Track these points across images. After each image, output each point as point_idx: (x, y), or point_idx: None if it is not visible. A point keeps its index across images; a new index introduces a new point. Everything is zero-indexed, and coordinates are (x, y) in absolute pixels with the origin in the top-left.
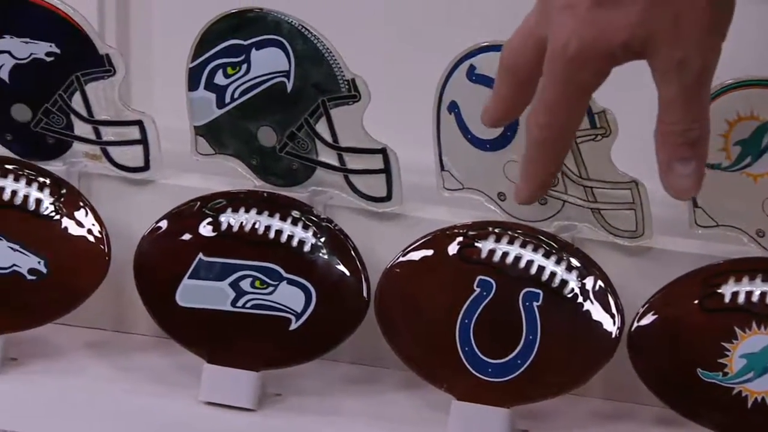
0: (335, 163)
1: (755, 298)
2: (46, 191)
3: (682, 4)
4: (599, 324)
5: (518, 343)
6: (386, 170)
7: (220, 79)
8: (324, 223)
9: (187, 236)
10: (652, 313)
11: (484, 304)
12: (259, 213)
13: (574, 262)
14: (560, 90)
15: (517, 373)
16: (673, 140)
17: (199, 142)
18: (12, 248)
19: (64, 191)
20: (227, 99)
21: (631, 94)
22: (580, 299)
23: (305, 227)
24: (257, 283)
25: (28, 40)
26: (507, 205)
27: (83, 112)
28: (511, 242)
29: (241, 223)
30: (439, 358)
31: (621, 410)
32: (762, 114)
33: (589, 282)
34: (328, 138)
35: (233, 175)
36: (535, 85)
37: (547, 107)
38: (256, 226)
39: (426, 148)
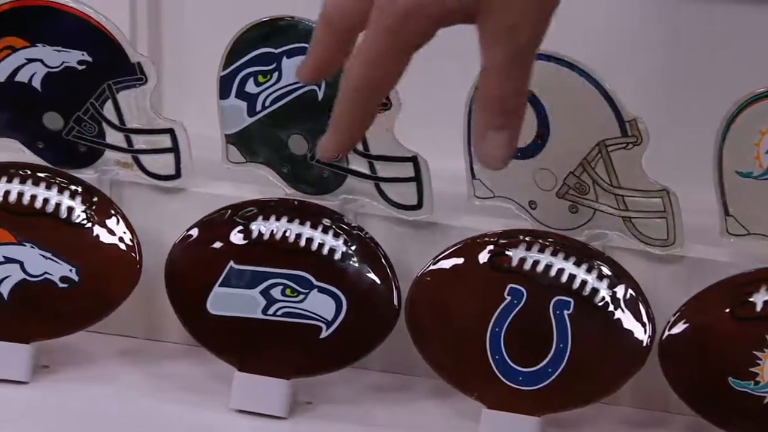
0: (366, 171)
1: None
2: (78, 199)
3: None
4: (630, 332)
5: (549, 352)
6: (417, 178)
7: (251, 87)
8: (355, 231)
9: (218, 244)
10: (683, 321)
11: (514, 312)
12: (290, 221)
13: (605, 270)
14: (384, 45)
15: (547, 381)
16: (491, 107)
17: (230, 150)
18: (44, 256)
19: (95, 199)
20: (258, 107)
21: (660, 103)
22: (611, 308)
23: (336, 235)
24: (288, 291)
25: (60, 48)
26: (538, 214)
27: (115, 121)
28: (542, 250)
29: (272, 231)
30: (469, 367)
31: (651, 419)
32: None
33: (620, 290)
34: (359, 146)
35: (264, 183)
36: (355, 39)
37: (367, 60)
38: (287, 234)
39: (457, 156)
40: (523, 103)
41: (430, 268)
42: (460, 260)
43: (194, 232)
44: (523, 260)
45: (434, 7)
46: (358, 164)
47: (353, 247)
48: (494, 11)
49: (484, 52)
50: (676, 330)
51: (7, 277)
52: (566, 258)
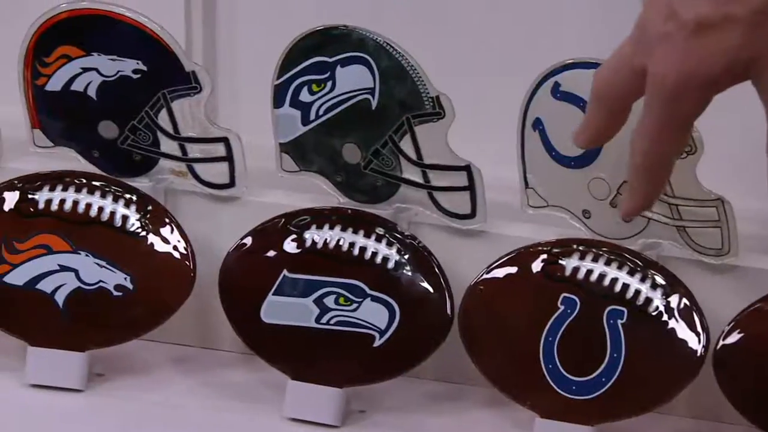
0: (419, 180)
1: None
2: (133, 208)
3: None
4: (684, 342)
5: (602, 361)
6: (470, 187)
7: (305, 96)
8: (408, 240)
9: (271, 253)
10: (738, 331)
11: (568, 321)
12: (344, 230)
13: (659, 279)
14: (662, 121)
15: (601, 391)
16: None
17: (284, 158)
18: (99, 264)
19: (150, 208)
20: (312, 116)
21: (717, 113)
22: (665, 317)
23: (389, 244)
24: (341, 300)
25: (115, 57)
26: (591, 223)
27: (169, 129)
28: (595, 260)
29: (326, 239)
30: (522, 376)
31: (706, 429)
32: None
33: (674, 300)
34: (413, 155)
35: (317, 191)
36: (628, 111)
37: (649, 136)
38: (341, 243)
39: (510, 166)
40: None
41: (483, 277)
42: (514, 269)
43: (248, 240)
44: (576, 269)
45: (704, 77)
46: (412, 173)
47: (406, 256)
48: (766, 67)
49: (765, 105)
50: (731, 340)
51: (62, 285)
52: (620, 267)
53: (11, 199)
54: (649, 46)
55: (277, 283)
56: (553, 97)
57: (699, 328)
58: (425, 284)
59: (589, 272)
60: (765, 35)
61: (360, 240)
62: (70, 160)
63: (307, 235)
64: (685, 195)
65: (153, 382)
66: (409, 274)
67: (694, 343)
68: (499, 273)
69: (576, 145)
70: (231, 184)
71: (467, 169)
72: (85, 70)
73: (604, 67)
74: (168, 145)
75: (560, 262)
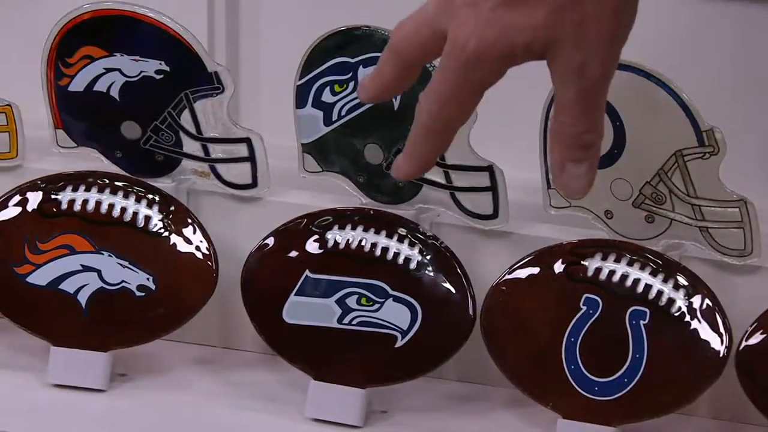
0: (441, 180)
1: None
2: (155, 208)
3: (589, 11)
4: (707, 343)
5: (625, 362)
6: (493, 188)
7: (327, 96)
8: (430, 241)
9: (293, 253)
10: (761, 332)
11: (590, 322)
12: (366, 230)
13: (682, 280)
14: (455, 85)
15: (623, 391)
16: (567, 142)
17: (306, 159)
18: (121, 265)
19: (172, 208)
20: (334, 116)
21: (738, 113)
22: (688, 318)
23: (411, 244)
24: (363, 300)
25: (138, 57)
26: (614, 223)
27: (192, 130)
28: (617, 260)
29: (348, 240)
30: (544, 377)
31: (728, 430)
32: None
33: (696, 300)
34: None
35: (340, 192)
36: (420, 69)
37: (439, 98)
38: (363, 243)
39: (533, 166)
40: (598, 135)
41: (505, 278)
42: (536, 270)
43: (270, 241)
44: (599, 270)
45: (503, 48)
46: (434, 174)
47: (428, 257)
48: (563, 50)
49: (557, 89)
50: (754, 341)
51: (85, 285)
52: (642, 268)
53: (34, 199)
54: (452, 10)
55: (300, 283)
56: None
57: (722, 329)
58: (447, 285)
59: (612, 273)
60: (568, 20)
61: (382, 240)
62: (92, 160)
63: (330, 235)
64: (707, 196)
65: (175, 382)
66: (432, 274)
67: (717, 343)
68: (522, 273)
69: (361, 98)
70: (253, 184)
71: (489, 169)
72: (108, 70)
73: (404, 21)
74: (190, 146)
75: (582, 262)
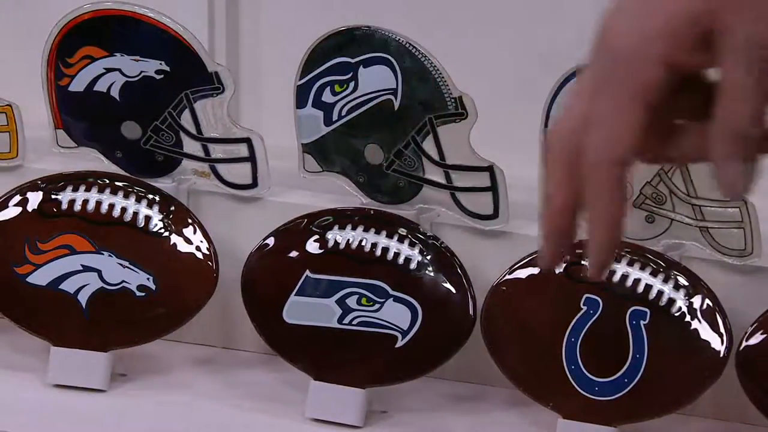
0: (442, 180)
1: None
2: (155, 208)
3: None
4: (707, 343)
5: (625, 362)
6: (493, 188)
7: (327, 96)
8: (430, 241)
9: (294, 253)
10: (761, 332)
11: (590, 322)
12: (366, 230)
13: (682, 280)
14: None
15: (623, 392)
16: (733, 134)
17: (307, 159)
18: (121, 265)
19: (172, 208)
20: (335, 116)
21: None
22: (688, 318)
23: (412, 244)
24: (364, 301)
25: (138, 57)
26: None
27: (192, 130)
28: (618, 260)
29: (348, 240)
30: (545, 377)
31: (728, 430)
32: None
33: (696, 301)
34: (435, 156)
35: (340, 192)
36: None
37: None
38: (363, 244)
39: (533, 166)
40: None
41: (505, 278)
42: (536, 270)
43: (270, 241)
44: None
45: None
46: (434, 174)
47: (429, 257)
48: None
49: (724, 71)
50: (754, 341)
51: (85, 285)
52: (642, 268)
53: (34, 199)
54: None
55: (300, 283)
56: None
57: (722, 329)
58: (448, 285)
59: (612, 273)
60: None
61: (382, 240)
62: (93, 160)
63: (330, 235)
64: (708, 196)
65: (175, 382)
66: (432, 274)
67: (717, 343)
68: (522, 274)
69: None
70: (253, 184)
71: (490, 169)
72: (108, 70)
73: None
74: (191, 146)
75: (582, 262)
